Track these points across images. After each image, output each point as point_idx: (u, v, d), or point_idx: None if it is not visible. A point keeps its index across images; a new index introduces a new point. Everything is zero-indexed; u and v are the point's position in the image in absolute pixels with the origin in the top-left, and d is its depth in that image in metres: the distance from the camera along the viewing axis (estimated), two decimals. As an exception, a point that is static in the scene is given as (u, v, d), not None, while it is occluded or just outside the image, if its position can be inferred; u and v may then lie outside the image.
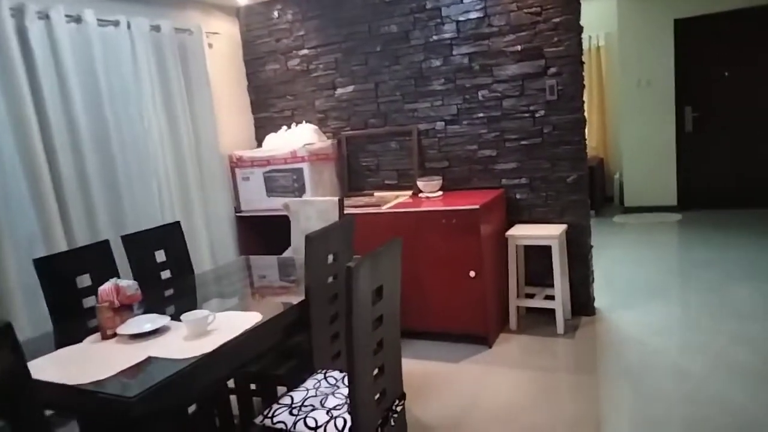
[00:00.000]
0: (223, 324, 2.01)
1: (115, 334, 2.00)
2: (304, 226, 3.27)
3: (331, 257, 2.36)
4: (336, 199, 3.14)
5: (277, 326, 2.11)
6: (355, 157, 4.15)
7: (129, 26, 3.32)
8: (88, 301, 2.40)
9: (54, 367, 1.75)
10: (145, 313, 2.21)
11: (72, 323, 2.24)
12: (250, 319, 2.05)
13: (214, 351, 1.78)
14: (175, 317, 2.06)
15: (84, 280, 2.42)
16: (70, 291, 2.34)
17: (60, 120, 2.93)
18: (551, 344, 3.26)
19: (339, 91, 4.12)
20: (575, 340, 3.28)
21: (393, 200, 3.72)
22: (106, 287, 2.08)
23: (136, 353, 1.82)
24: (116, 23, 3.24)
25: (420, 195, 3.80)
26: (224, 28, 4.22)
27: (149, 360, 1.76)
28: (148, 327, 1.98)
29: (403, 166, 4.00)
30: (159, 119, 3.52)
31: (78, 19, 3.04)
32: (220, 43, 4.16)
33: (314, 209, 3.22)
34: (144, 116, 3.42)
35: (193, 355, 1.75)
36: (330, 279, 2.37)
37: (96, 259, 2.48)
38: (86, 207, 3.06)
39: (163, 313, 2.25)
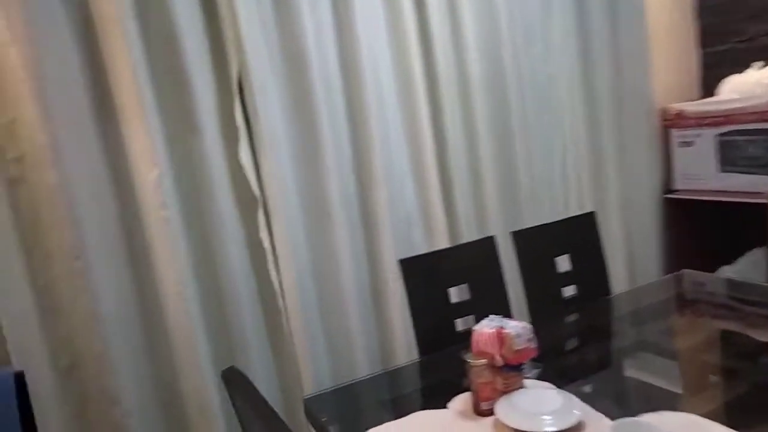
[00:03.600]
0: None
1: (492, 411, 1.23)
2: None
3: None
4: None
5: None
6: None
7: (541, -65, 2.44)
8: (464, 322, 1.72)
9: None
10: (541, 375, 1.38)
11: (439, 354, 1.59)
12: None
13: None
14: (586, 387, 1.16)
15: (460, 293, 1.73)
16: (441, 306, 1.68)
17: (450, 69, 2.30)
18: None
19: None
20: None
21: None
22: (485, 332, 1.30)
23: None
24: (524, -68, 2.41)
25: None
26: None
27: None
28: (547, 427, 1.13)
29: None
30: (571, 61, 2.57)
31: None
32: (662, -54, 2.89)
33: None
34: (552, 58, 2.53)
35: None
36: None
37: (475, 262, 1.77)
38: (473, 184, 2.39)
39: (566, 374, 1.38)
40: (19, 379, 1.55)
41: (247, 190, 1.96)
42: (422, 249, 2.15)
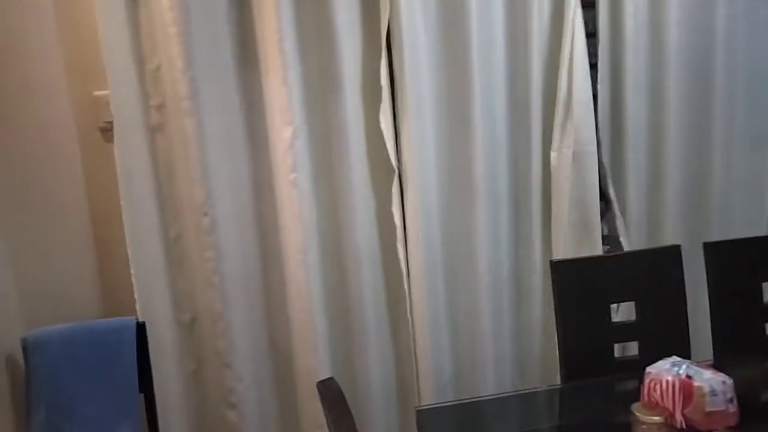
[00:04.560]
0: None
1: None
2: None
3: None
4: None
5: None
6: None
7: None
8: (624, 348, 1.39)
9: None
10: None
11: (589, 383, 1.28)
12: None
13: None
14: None
15: (623, 311, 1.39)
16: (597, 324, 1.36)
17: (641, 30, 1.86)
18: None
19: None
20: None
21: None
22: (664, 379, 0.97)
23: None
24: None
25: None
26: None
27: None
28: None
29: None
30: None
31: None
32: None
33: None
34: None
35: None
36: None
37: (648, 276, 1.40)
38: (651, 177, 1.95)
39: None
40: (141, 329, 1.55)
41: (384, 158, 1.77)
42: (578, 249, 1.81)
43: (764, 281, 1.43)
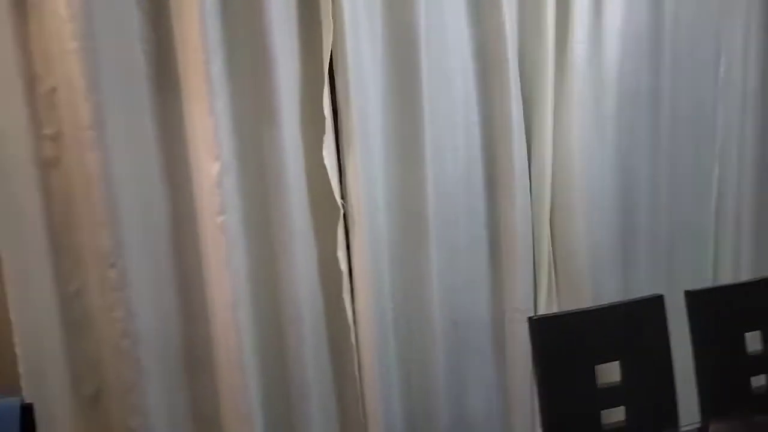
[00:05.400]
0: None
1: None
2: None
3: None
4: None
5: None
6: None
7: None
8: (611, 414, 1.23)
9: None
10: None
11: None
12: None
13: None
14: None
15: (607, 372, 1.24)
16: (583, 389, 1.20)
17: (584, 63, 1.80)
18: None
19: None
20: None
21: None
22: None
23: None
24: None
25: None
26: None
27: None
28: None
29: None
30: (754, 77, 2.00)
31: None
32: None
33: None
34: (726, 70, 1.97)
35: None
36: None
37: (629, 332, 1.26)
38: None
39: None
40: (27, 413, 1.23)
41: (327, 197, 1.57)
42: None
43: (747, 331, 1.33)
